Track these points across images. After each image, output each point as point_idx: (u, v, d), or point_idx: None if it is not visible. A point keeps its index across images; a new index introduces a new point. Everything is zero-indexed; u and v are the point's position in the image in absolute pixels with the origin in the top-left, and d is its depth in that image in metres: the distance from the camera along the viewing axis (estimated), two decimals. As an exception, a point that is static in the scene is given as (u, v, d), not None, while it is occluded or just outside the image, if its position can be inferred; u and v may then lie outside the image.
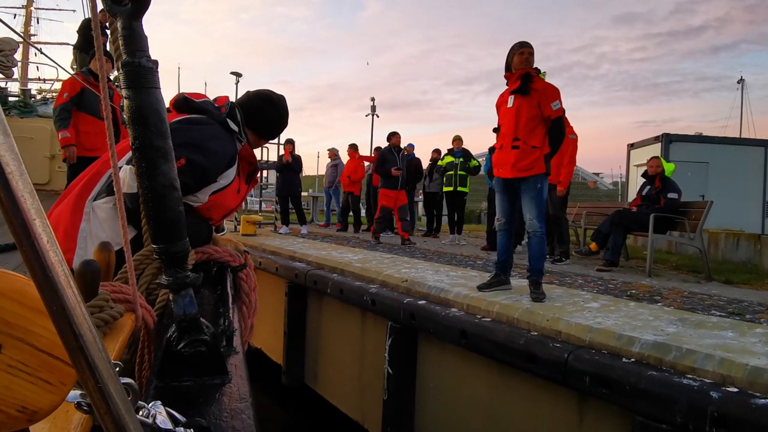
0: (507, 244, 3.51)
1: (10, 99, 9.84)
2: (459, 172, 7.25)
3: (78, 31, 6.81)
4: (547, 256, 5.58)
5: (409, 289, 3.66)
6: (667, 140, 12.71)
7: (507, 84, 3.56)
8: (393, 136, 7.30)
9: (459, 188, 7.28)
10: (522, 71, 3.38)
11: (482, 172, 7.29)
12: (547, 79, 3.47)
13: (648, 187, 5.25)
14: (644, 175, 5.36)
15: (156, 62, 0.94)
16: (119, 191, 0.99)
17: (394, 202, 7.05)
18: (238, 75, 13.82)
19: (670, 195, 4.98)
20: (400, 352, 3.50)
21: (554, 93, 3.32)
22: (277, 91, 2.04)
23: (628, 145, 14.29)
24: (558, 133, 3.32)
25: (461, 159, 7.31)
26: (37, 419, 0.48)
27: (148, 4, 0.88)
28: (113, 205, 1.53)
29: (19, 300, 0.46)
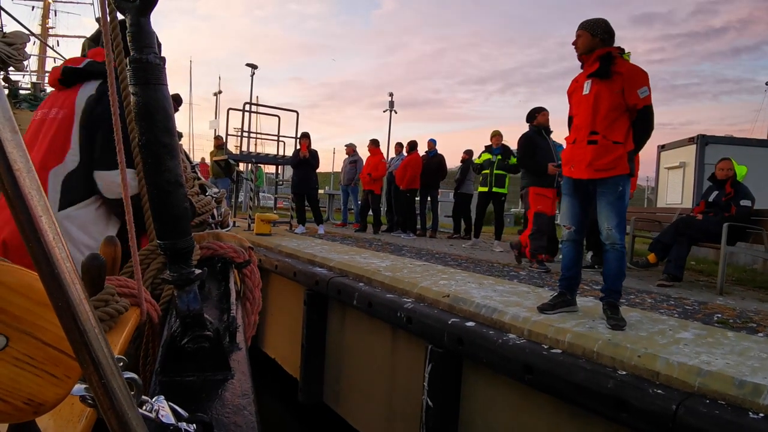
0: (575, 258, 2.93)
1: (21, 92, 9.63)
2: (496, 171, 6.57)
3: (97, 21, 6.37)
4: (595, 267, 5.01)
5: (452, 306, 3.12)
6: (703, 142, 11.96)
7: (582, 67, 2.98)
8: (539, 113, 5.30)
9: (495, 189, 6.60)
10: (602, 50, 2.81)
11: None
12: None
13: (716, 192, 4.63)
14: (711, 179, 4.76)
15: (163, 59, 0.92)
16: (126, 186, 0.99)
17: (552, 205, 5.14)
18: (253, 67, 13.35)
19: (743, 202, 4.37)
20: (443, 381, 2.95)
21: (642, 77, 2.74)
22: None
23: (658, 146, 13.54)
24: (646, 125, 2.75)
25: (499, 156, 6.61)
26: (42, 411, 0.49)
27: (156, 1, 0.87)
28: (95, 207, 1.54)
29: (27, 294, 0.48)
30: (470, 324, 2.86)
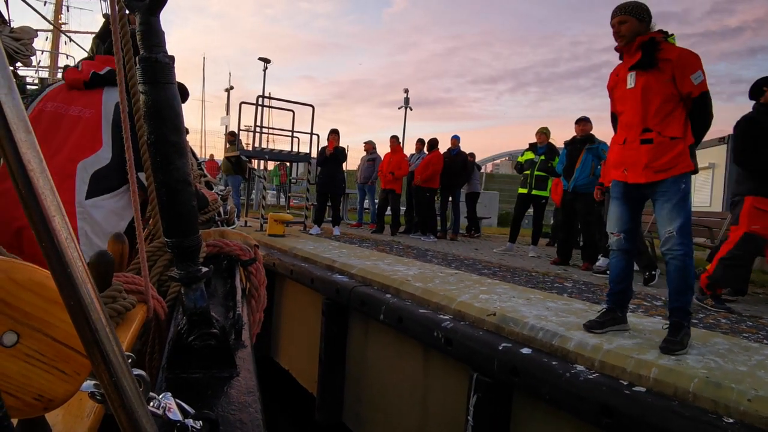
0: (624, 270, 2.57)
1: (29, 87, 9.45)
2: (537, 173, 5.97)
3: (104, 16, 6.01)
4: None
5: (499, 327, 2.68)
6: (735, 142, 11.36)
7: (621, 57, 2.64)
8: None
9: (535, 191, 6.00)
10: (644, 37, 2.49)
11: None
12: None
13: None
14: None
15: (172, 58, 0.93)
16: (133, 183, 1.05)
17: None
18: (266, 61, 12.96)
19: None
20: (491, 416, 2.52)
21: (694, 61, 2.41)
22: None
23: (685, 146, 12.97)
24: (704, 115, 2.42)
25: (542, 157, 5.97)
26: (52, 407, 0.50)
27: (166, 0, 0.87)
28: (115, 201, 1.65)
29: (38, 291, 0.48)
30: (526, 351, 2.42)
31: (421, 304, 3.26)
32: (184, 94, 2.92)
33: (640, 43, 2.50)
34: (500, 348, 2.48)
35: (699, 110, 2.41)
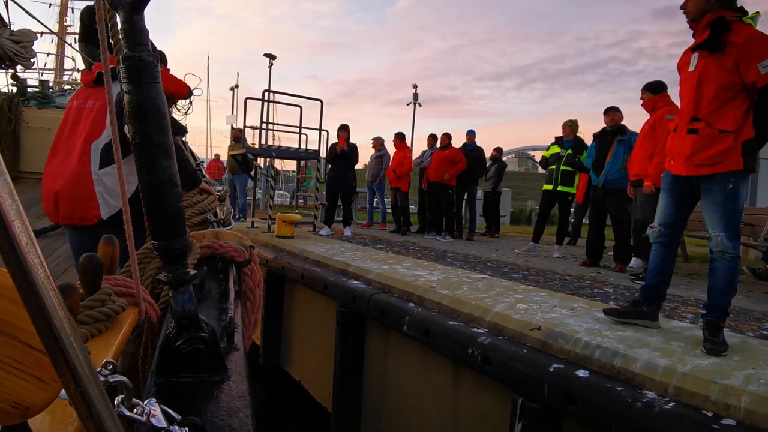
0: (662, 264, 2.45)
1: (29, 90, 9.27)
2: (563, 167, 5.58)
3: (80, 19, 5.65)
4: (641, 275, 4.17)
5: (546, 343, 2.33)
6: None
7: (693, 36, 2.40)
8: None
9: (560, 187, 5.61)
10: (715, 14, 2.27)
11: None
12: None
13: None
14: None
15: (157, 56, 0.91)
16: (123, 185, 1.09)
17: None
18: (271, 57, 12.64)
19: None
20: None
21: (763, 46, 2.15)
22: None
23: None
24: None
25: (569, 151, 5.58)
26: (30, 415, 0.50)
27: None
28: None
29: (10, 297, 0.47)
30: (582, 374, 2.07)
31: (450, 314, 2.92)
32: (163, 62, 2.84)
33: (708, 21, 2.27)
34: (551, 369, 2.13)
35: (763, 102, 2.16)
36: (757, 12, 2.35)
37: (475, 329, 2.64)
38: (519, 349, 2.35)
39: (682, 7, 2.40)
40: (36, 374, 0.48)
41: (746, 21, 2.27)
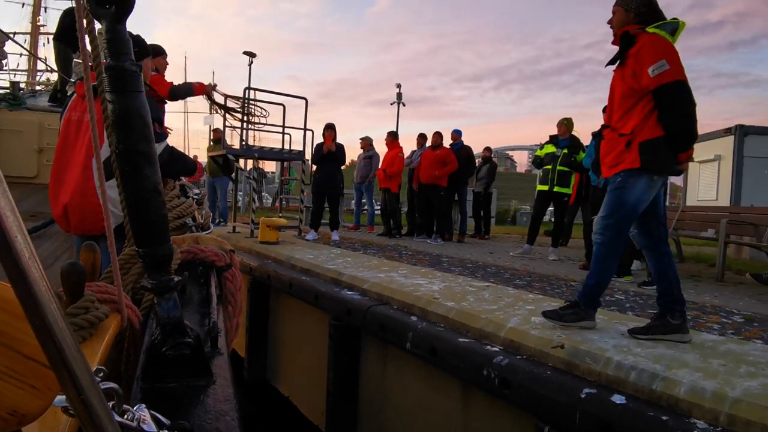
0: (655, 268, 2.46)
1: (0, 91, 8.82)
2: (559, 168, 5.37)
3: (60, 19, 5.27)
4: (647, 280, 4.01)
5: (571, 364, 2.09)
6: (742, 133, 10.93)
7: None
8: None
9: (557, 188, 5.41)
10: (621, 30, 2.38)
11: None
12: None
13: None
14: None
15: (140, 66, 0.92)
16: (104, 193, 1.07)
17: None
18: (251, 55, 12.21)
19: None
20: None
21: (653, 50, 2.21)
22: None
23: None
24: (668, 108, 2.21)
25: (565, 150, 5.38)
26: (26, 422, 0.50)
27: (132, 8, 0.86)
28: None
29: (6, 308, 0.47)
30: (619, 400, 1.83)
31: (458, 329, 2.66)
32: (143, 51, 2.66)
33: (619, 36, 2.38)
34: (583, 395, 1.89)
35: (660, 103, 2.24)
36: (675, 18, 2.35)
37: (488, 347, 2.39)
38: (543, 371, 2.11)
39: (608, 23, 2.47)
40: (31, 383, 0.49)
41: (650, 30, 2.28)
